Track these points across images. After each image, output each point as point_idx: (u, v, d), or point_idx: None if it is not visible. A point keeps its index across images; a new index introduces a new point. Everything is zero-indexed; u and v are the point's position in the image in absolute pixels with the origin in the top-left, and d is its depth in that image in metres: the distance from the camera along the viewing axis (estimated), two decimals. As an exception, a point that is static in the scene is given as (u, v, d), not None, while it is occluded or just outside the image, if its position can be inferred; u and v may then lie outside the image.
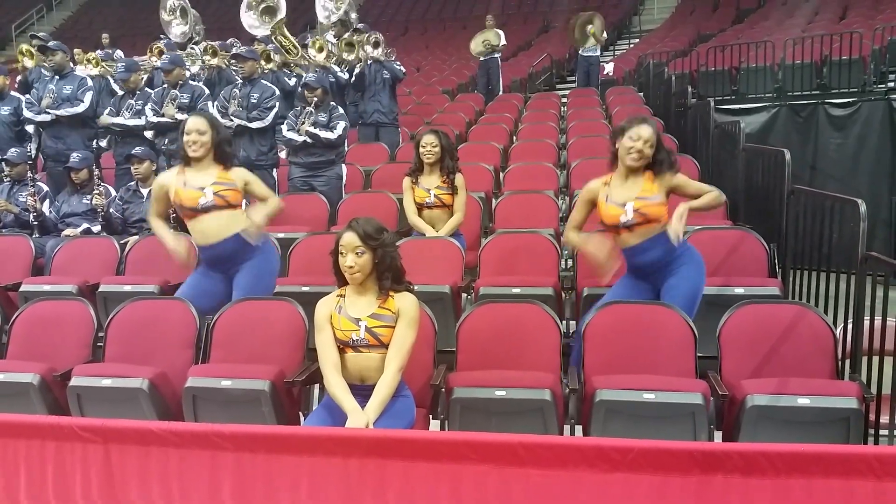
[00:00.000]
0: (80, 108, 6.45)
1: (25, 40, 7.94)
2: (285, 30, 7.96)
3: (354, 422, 2.67)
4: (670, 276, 3.49)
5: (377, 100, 7.82)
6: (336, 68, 7.88)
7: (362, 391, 2.81)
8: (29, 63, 7.52)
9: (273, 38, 7.93)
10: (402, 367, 2.83)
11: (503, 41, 11.57)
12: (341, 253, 2.82)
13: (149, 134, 6.22)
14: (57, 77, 6.57)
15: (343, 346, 2.85)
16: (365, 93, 7.87)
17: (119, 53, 8.64)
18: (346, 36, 8.25)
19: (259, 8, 8.22)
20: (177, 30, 8.24)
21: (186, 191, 3.65)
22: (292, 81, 7.63)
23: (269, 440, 2.36)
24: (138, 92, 6.48)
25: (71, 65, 7.00)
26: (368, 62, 7.76)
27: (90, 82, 6.66)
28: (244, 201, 3.88)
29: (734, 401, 3.01)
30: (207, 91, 6.49)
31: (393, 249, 2.88)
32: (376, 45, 7.77)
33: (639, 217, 3.40)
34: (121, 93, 6.69)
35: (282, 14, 7.96)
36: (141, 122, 6.30)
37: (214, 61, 7.46)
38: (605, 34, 11.79)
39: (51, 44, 6.80)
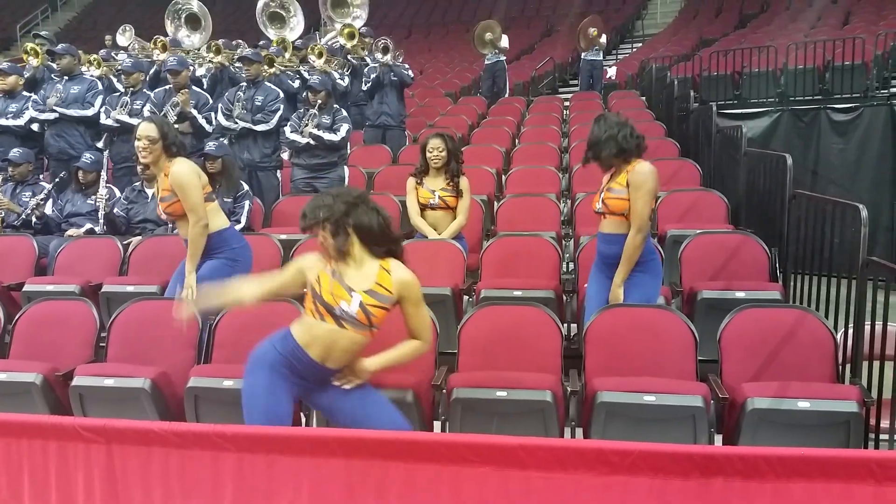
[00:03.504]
0: (90, 112, 6.43)
1: (30, 40, 7.91)
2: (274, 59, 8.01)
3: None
4: (630, 278, 3.54)
5: (385, 101, 7.83)
6: (336, 74, 7.89)
7: (318, 371, 2.69)
8: (34, 62, 7.52)
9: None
10: (429, 340, 2.89)
11: (505, 44, 11.61)
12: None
13: None
14: (65, 78, 6.57)
15: (323, 312, 2.65)
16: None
17: (124, 55, 8.63)
18: (346, 22, 8.32)
19: (265, 14, 8.29)
20: (188, 42, 8.25)
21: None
22: (296, 84, 7.64)
23: (271, 441, 2.37)
24: (139, 92, 6.48)
25: (80, 67, 7.00)
26: (378, 66, 7.77)
27: (100, 85, 6.63)
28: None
29: (735, 404, 3.01)
30: (211, 101, 6.47)
31: (358, 215, 2.64)
32: (385, 50, 7.82)
33: (604, 207, 3.52)
34: (121, 88, 6.69)
35: (297, 20, 8.02)
36: (135, 122, 6.26)
37: (218, 58, 7.46)
38: (603, 37, 11.78)
39: (59, 48, 6.80)
